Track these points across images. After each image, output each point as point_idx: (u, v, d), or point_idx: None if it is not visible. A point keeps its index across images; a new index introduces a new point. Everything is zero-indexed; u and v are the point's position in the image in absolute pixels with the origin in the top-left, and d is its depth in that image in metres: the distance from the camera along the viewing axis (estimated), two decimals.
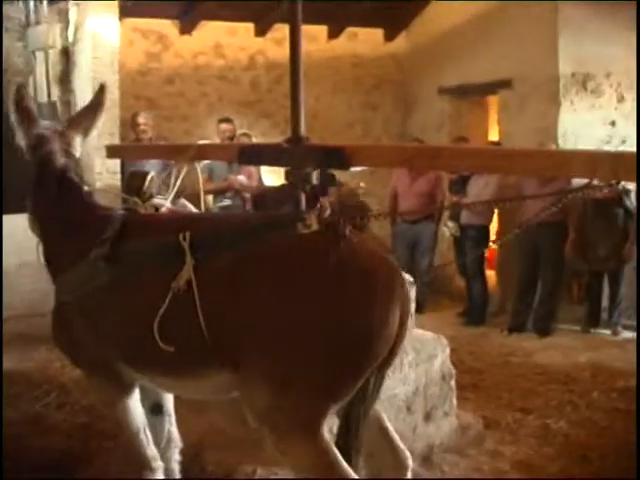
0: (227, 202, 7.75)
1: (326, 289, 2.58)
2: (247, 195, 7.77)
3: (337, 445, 2.65)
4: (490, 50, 8.61)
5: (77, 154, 3.47)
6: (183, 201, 7.42)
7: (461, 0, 8.85)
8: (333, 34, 9.57)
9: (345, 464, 2.59)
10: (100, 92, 3.75)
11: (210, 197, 7.80)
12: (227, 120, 8.12)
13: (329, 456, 2.58)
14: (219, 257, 2.74)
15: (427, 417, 4.34)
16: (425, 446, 4.28)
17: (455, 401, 4.49)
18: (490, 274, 8.43)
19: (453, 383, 4.47)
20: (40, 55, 7.41)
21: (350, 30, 9.68)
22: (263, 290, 2.62)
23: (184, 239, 2.75)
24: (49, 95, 7.40)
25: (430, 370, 4.35)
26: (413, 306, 4.38)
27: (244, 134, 8.06)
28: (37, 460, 4.35)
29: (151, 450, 3.26)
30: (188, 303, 2.70)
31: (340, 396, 2.62)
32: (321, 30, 9.41)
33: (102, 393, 3.28)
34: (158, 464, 3.28)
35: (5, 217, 6.50)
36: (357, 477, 2.61)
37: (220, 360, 2.72)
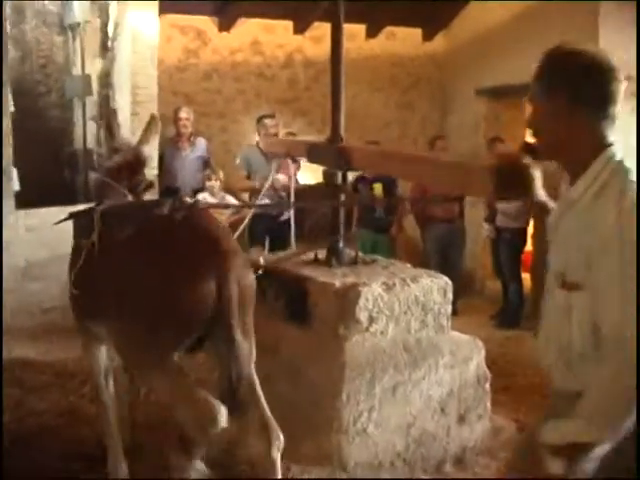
0: (266, 200, 7.73)
1: (157, 257, 3.26)
2: (284, 194, 7.75)
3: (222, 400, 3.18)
4: (528, 51, 8.44)
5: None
6: (225, 195, 7.51)
7: (500, 0, 8.80)
8: (372, 33, 9.55)
9: (198, 388, 3.22)
10: (151, 123, 4.42)
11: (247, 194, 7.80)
12: (272, 116, 8.07)
13: (181, 380, 3.27)
14: (121, 229, 3.44)
15: (461, 419, 4.32)
16: (458, 448, 4.27)
17: (489, 404, 4.46)
18: (525, 277, 8.35)
19: (488, 386, 4.44)
20: (75, 30, 7.47)
21: (389, 29, 9.66)
22: (127, 256, 3.33)
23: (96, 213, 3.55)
24: (83, 68, 7.45)
25: (465, 372, 4.33)
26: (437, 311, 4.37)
27: (290, 133, 8.05)
28: (69, 451, 4.40)
29: (108, 393, 3.99)
30: (93, 262, 3.50)
31: (175, 341, 3.26)
32: (360, 29, 9.40)
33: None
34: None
35: (37, 211, 6.60)
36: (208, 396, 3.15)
37: (100, 312, 3.49)
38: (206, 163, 7.97)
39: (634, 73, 7.81)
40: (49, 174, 7.27)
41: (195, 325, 3.23)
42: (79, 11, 7.31)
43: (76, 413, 4.94)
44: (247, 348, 3.33)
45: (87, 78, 7.45)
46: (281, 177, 7.46)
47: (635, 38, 6.92)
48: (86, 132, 7.54)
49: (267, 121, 7.89)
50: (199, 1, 8.31)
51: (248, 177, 7.56)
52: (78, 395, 5.30)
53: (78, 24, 7.33)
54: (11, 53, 6.86)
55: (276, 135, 7.77)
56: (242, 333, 3.24)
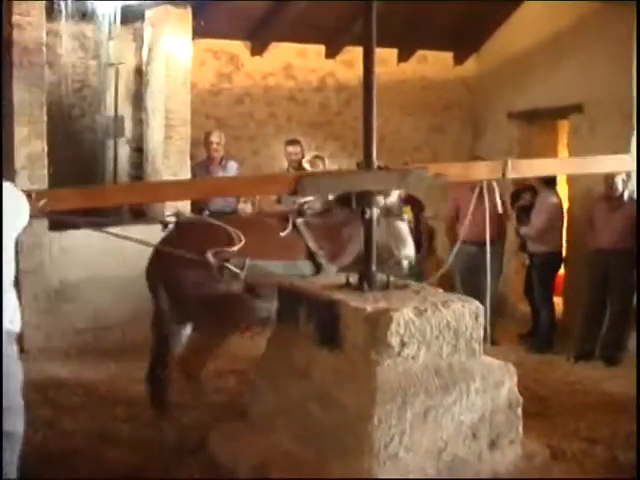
0: None
1: None
2: None
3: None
4: (561, 74, 8.52)
5: None
6: None
7: (532, 23, 8.82)
8: (403, 57, 9.57)
9: None
10: None
11: None
12: (294, 142, 8.12)
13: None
14: None
15: (492, 444, 4.29)
16: (490, 473, 4.23)
17: (521, 429, 4.43)
18: (557, 301, 8.30)
19: (519, 411, 4.41)
20: (111, 70, 7.62)
21: (420, 53, 9.67)
22: None
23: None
24: (116, 110, 7.57)
25: (497, 397, 4.30)
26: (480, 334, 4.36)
27: (319, 156, 8.04)
28: (102, 473, 4.42)
29: None
30: None
31: None
32: (391, 53, 9.43)
33: None
34: None
35: (71, 232, 6.68)
36: None
37: None
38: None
39: None
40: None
41: None
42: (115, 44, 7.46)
43: (106, 435, 4.97)
44: None
45: (120, 120, 7.58)
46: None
47: None
48: (117, 155, 7.64)
49: (289, 148, 7.95)
50: (232, 22, 8.36)
51: (278, 201, 7.58)
52: (109, 417, 5.33)
53: (112, 65, 7.51)
54: (47, 77, 6.95)
55: (299, 162, 7.84)
56: None
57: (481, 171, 5.10)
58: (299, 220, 5.25)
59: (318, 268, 5.10)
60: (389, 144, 8.54)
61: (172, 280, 4.80)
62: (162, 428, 4.68)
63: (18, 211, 3.62)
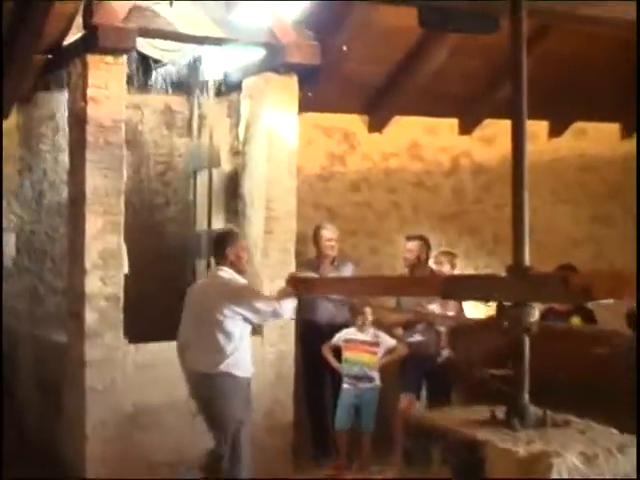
0: (418, 337, 7.60)
1: None
2: (442, 329, 7.61)
3: None
4: None
5: None
6: (376, 331, 7.47)
7: None
8: (556, 131, 9.51)
9: None
10: None
11: (399, 330, 7.70)
12: (413, 238, 8.06)
13: None
14: None
15: None
16: None
17: None
18: None
19: None
20: (203, 175, 7.82)
21: (577, 126, 9.59)
22: None
23: None
24: (209, 219, 7.72)
25: None
26: None
27: (446, 252, 7.96)
28: None
29: None
30: None
31: None
32: (541, 127, 9.35)
33: None
34: None
35: (149, 345, 6.85)
36: None
37: None
38: None
39: None
40: (165, 302, 7.39)
41: None
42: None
43: None
44: None
45: (213, 234, 7.61)
46: (435, 307, 7.34)
47: None
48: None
49: (407, 244, 7.89)
50: (346, 97, 8.46)
51: (398, 308, 7.45)
52: None
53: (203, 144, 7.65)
54: (126, 158, 7.08)
55: (417, 262, 7.79)
56: None
57: None
58: None
59: None
60: (539, 238, 8.24)
61: None
62: None
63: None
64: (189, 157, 7.97)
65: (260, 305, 5.94)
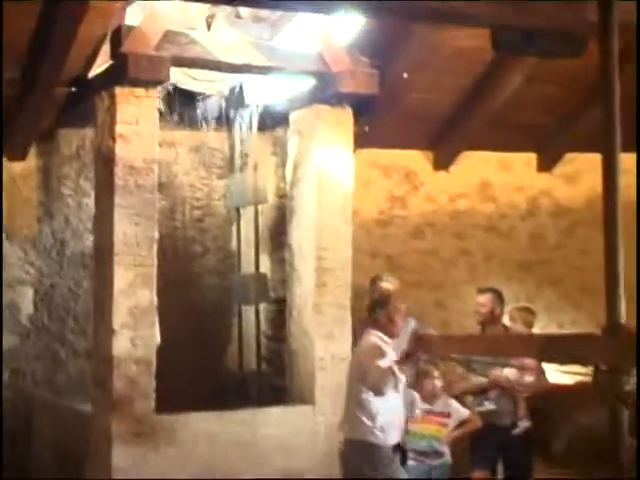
0: (490, 406, 7.45)
1: None
2: (521, 395, 7.46)
3: None
4: None
5: None
6: (448, 399, 7.39)
7: None
8: None
9: None
10: None
11: (469, 397, 7.56)
12: (484, 291, 7.93)
13: None
14: None
15: None
16: None
17: None
18: None
19: None
20: (247, 211, 7.78)
21: None
22: None
23: None
24: (257, 266, 7.67)
25: None
26: None
27: (521, 308, 7.82)
28: None
29: None
30: None
31: None
32: (631, 159, 9.16)
33: None
34: None
35: (184, 416, 6.74)
36: None
37: None
38: None
39: None
40: (201, 365, 7.34)
41: None
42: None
43: None
44: None
45: (262, 278, 7.69)
46: (511, 371, 7.19)
47: None
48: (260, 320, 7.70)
49: (478, 298, 7.72)
50: (408, 130, 8.41)
51: (469, 372, 7.32)
52: None
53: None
54: (158, 203, 7.09)
55: (490, 318, 7.61)
56: None
57: None
58: None
59: None
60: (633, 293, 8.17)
61: None
62: None
63: None
64: (230, 193, 7.96)
65: (377, 381, 6.18)
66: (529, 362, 7.50)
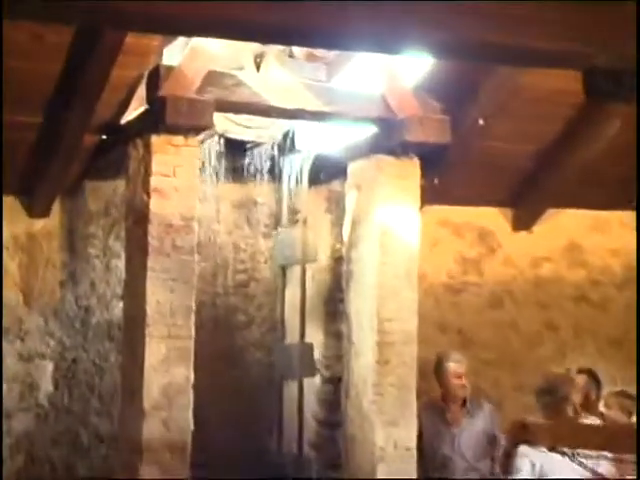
0: None
1: None
2: None
3: None
4: None
5: None
6: None
7: None
8: None
9: None
10: None
11: None
12: (579, 372, 7.81)
13: None
14: None
15: None
16: None
17: None
18: None
19: None
20: (294, 271, 7.83)
21: None
22: None
23: None
24: (302, 334, 7.78)
25: None
26: None
27: (619, 393, 7.61)
28: None
29: None
30: None
31: None
32: None
33: None
34: None
35: None
36: None
37: None
38: (493, 443, 7.62)
39: None
40: (242, 452, 7.41)
41: None
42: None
43: None
44: None
45: (309, 350, 7.73)
46: (607, 465, 7.01)
47: None
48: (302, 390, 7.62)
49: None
50: (483, 184, 8.34)
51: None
52: None
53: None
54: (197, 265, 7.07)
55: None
56: None
57: None
58: None
59: None
60: None
61: None
62: None
63: None
64: (275, 249, 8.06)
65: None
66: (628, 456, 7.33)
